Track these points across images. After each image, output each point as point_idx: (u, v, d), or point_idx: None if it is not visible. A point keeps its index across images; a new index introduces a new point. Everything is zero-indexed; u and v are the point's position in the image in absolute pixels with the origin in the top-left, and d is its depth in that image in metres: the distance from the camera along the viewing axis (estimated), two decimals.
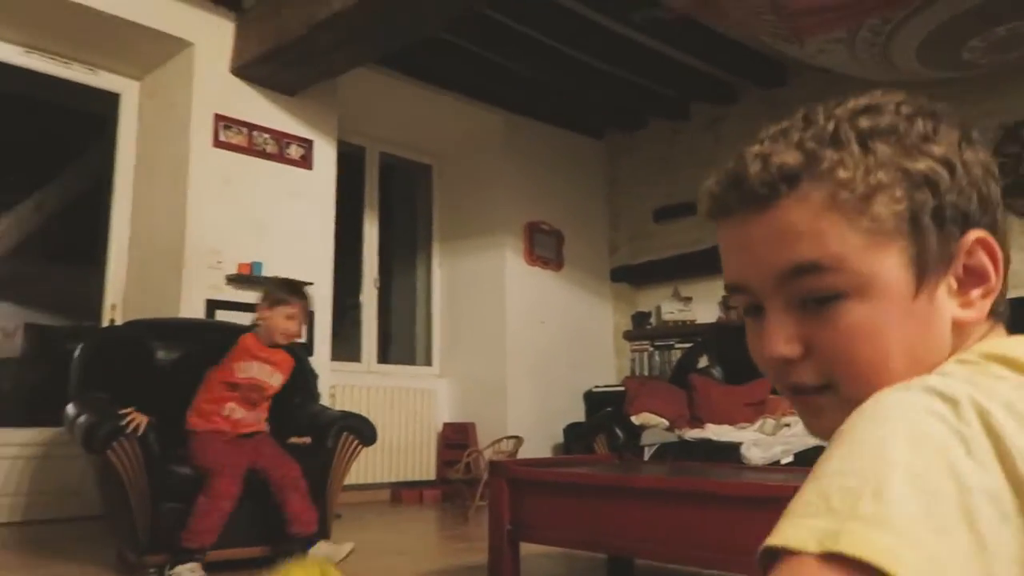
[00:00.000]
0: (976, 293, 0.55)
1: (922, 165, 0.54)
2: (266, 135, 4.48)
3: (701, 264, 5.56)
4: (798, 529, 0.41)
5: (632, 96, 5.59)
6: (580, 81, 5.37)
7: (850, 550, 0.38)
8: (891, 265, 0.53)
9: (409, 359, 5.94)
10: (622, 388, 5.33)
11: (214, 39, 4.35)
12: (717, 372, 3.46)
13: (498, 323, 5.54)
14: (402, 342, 6.02)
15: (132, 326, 3.45)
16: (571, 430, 5.27)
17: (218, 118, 4.31)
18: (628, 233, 6.16)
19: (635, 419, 3.03)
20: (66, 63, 4.45)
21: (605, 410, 3.36)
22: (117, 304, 4.50)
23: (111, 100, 4.67)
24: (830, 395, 0.56)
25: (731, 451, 2.64)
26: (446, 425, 5.60)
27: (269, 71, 4.36)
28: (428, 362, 5.92)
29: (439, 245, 6.10)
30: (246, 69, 4.36)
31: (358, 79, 4.78)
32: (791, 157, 0.56)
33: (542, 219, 5.87)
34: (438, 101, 5.42)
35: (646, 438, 2.87)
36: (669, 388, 3.27)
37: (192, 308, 4.09)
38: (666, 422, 3.02)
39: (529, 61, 5.07)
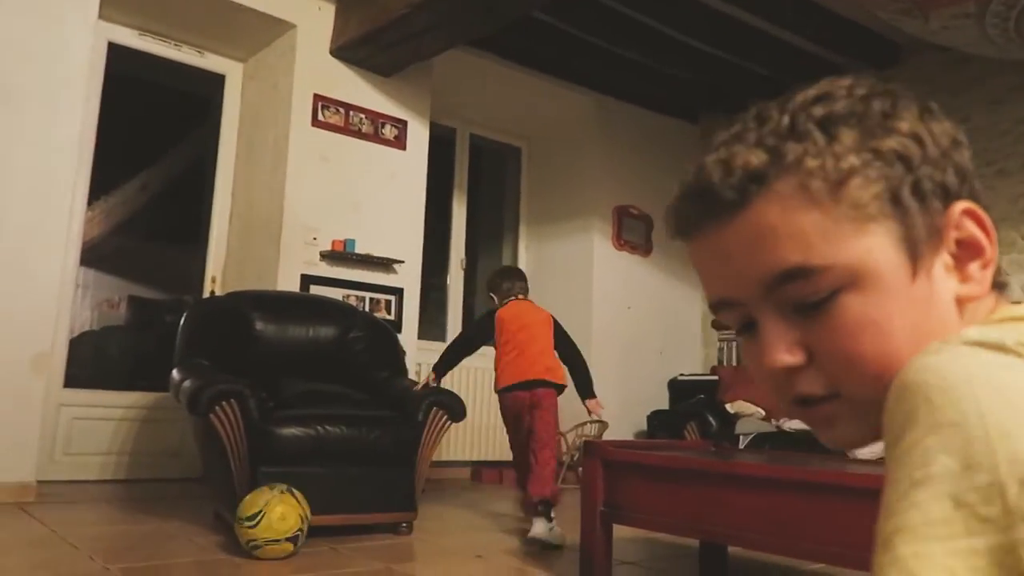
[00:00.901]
0: (974, 266, 0.53)
1: (891, 142, 0.52)
2: (362, 115, 4.56)
3: None
4: (948, 557, 0.37)
5: (730, 77, 5.42)
6: (676, 62, 5.24)
7: None
8: (880, 249, 0.51)
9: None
10: (709, 377, 5.23)
11: (315, 21, 4.44)
12: None
13: (584, 307, 5.49)
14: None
15: (233, 297, 3.57)
16: (655, 417, 5.19)
17: (317, 98, 4.40)
18: None
19: (730, 407, 2.95)
20: (177, 45, 4.62)
21: (698, 397, 3.28)
22: (217, 277, 4.67)
23: (216, 81, 4.83)
24: (840, 403, 0.52)
25: None
26: None
27: (367, 52, 4.42)
28: None
29: (526, 228, 6.09)
30: (345, 50, 4.44)
31: (450, 60, 4.79)
32: (754, 156, 0.53)
33: (631, 203, 5.78)
34: (529, 83, 5.40)
35: (742, 426, 2.78)
36: None
37: (288, 282, 4.20)
38: (762, 412, 2.92)
39: (623, 41, 4.98)
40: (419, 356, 4.88)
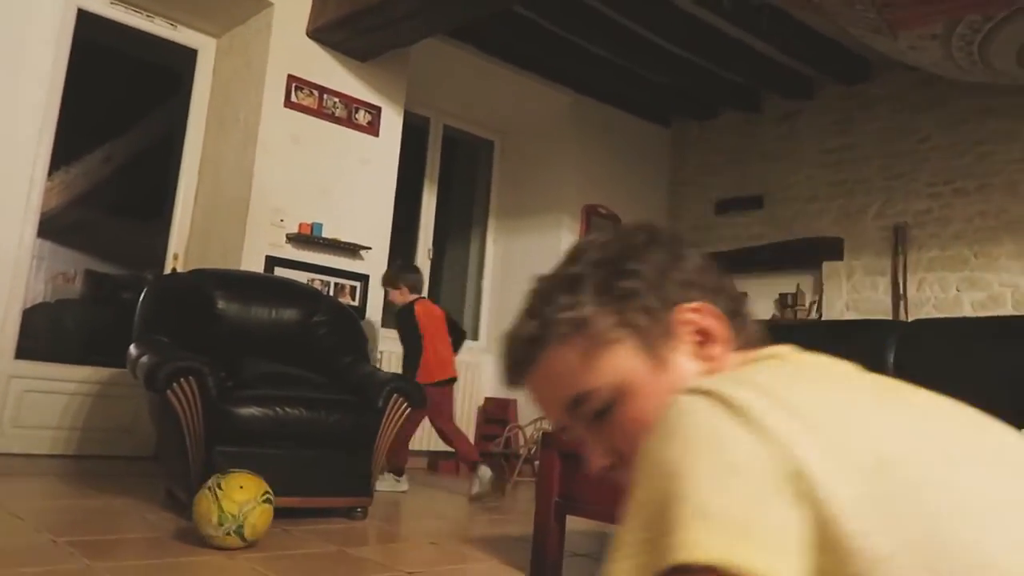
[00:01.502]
0: (716, 349, 0.68)
1: (620, 283, 0.69)
2: (336, 99, 4.53)
3: (761, 260, 5.49)
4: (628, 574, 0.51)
5: (704, 84, 5.50)
6: (651, 65, 5.30)
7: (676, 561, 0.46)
8: (626, 361, 0.67)
9: None
10: None
11: (294, 1, 4.40)
12: None
13: None
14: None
15: (195, 274, 3.53)
16: None
17: (291, 79, 4.36)
18: (688, 224, 6.08)
19: None
20: (149, 17, 4.54)
21: None
22: (180, 254, 4.61)
23: (188, 56, 4.76)
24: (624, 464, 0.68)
25: None
26: (487, 400, 5.62)
27: (344, 35, 4.39)
28: (475, 336, 5.94)
29: (495, 221, 6.10)
30: (321, 32, 4.40)
31: (427, 49, 4.79)
32: (530, 326, 0.72)
33: (600, 203, 5.82)
34: (506, 77, 5.41)
35: None
36: None
37: (253, 263, 4.16)
38: None
39: (601, 41, 5.01)
40: (382, 344, 4.87)
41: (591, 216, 5.75)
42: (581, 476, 2.12)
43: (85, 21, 4.28)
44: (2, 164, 3.49)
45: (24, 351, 4.06)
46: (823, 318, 5.11)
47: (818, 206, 5.32)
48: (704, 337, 0.69)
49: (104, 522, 2.56)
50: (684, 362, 0.68)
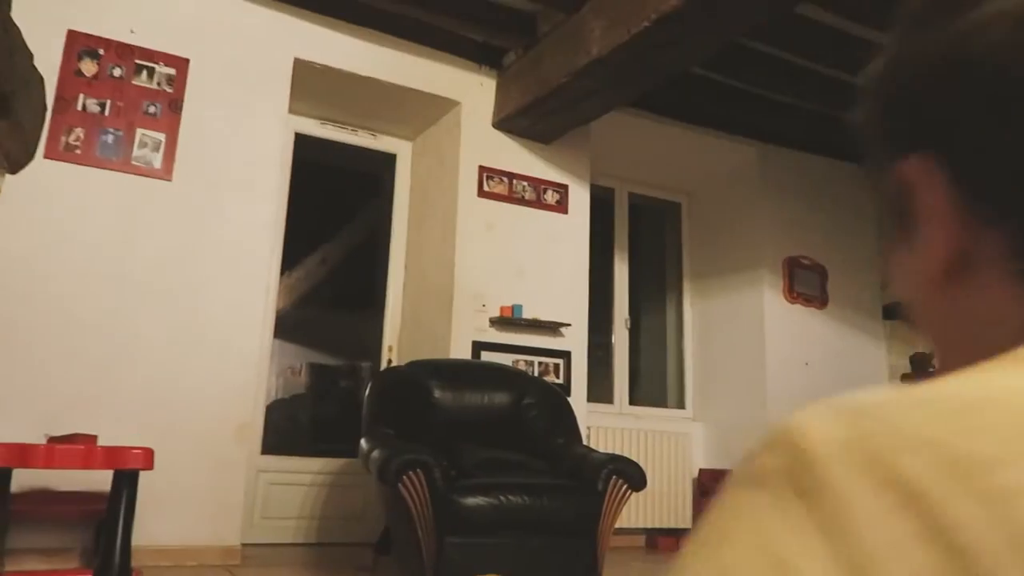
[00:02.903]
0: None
1: None
2: (524, 183, 4.67)
3: None
4: None
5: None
6: (839, 102, 5.00)
7: None
8: None
9: (660, 401, 5.81)
10: None
11: (478, 96, 4.65)
12: None
13: (756, 364, 5.25)
14: (652, 383, 5.92)
15: (412, 366, 3.70)
16: None
17: (482, 169, 4.57)
18: None
19: None
20: (353, 131, 4.98)
21: None
22: (393, 346, 4.88)
23: (388, 160, 5.14)
24: None
25: None
26: (702, 471, 5.37)
27: (528, 122, 4.55)
28: (680, 404, 5.75)
29: (690, 283, 5.95)
30: (506, 122, 4.59)
31: (607, 121, 4.84)
32: None
33: (802, 253, 5.51)
34: (687, 137, 5.34)
35: None
36: None
37: (460, 349, 4.32)
38: None
39: (783, 86, 4.83)
40: (589, 419, 4.83)
41: (794, 269, 5.44)
42: None
43: (300, 142, 4.76)
44: (245, 276, 3.89)
45: (266, 446, 4.44)
46: None
47: None
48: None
49: None
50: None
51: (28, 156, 3.52)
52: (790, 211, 5.53)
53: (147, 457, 2.96)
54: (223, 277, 3.85)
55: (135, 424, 3.50)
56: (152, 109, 3.84)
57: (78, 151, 3.69)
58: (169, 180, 3.84)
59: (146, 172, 3.80)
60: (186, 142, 3.88)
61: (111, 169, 3.74)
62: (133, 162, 3.79)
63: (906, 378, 5.46)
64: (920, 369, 5.36)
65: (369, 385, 3.58)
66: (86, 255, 3.60)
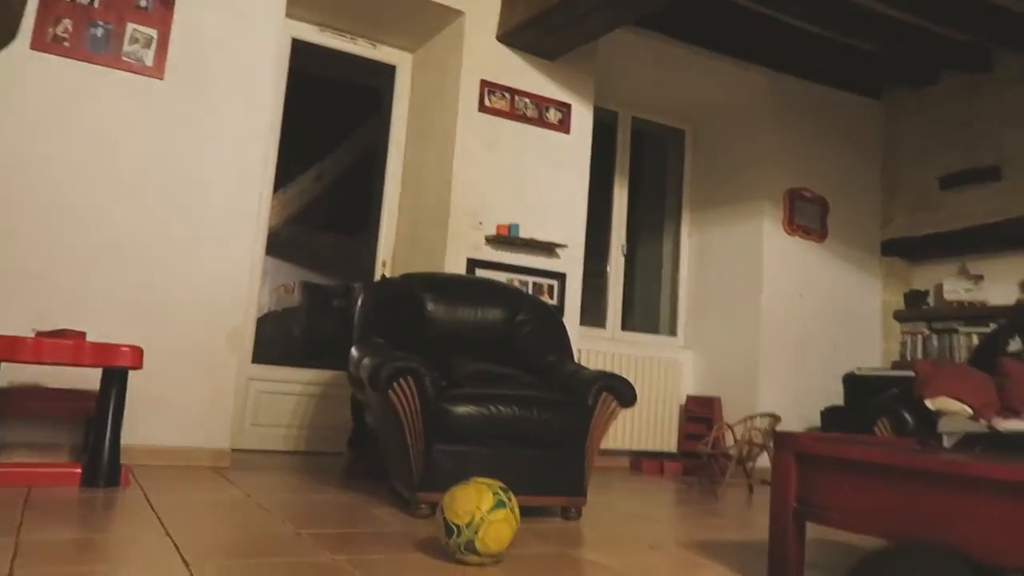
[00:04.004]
0: None
1: None
2: (527, 99, 4.56)
3: (997, 238, 4.88)
4: None
5: (921, 47, 4.96)
6: (857, 32, 4.86)
7: None
8: None
9: (652, 328, 5.82)
10: (891, 373, 4.84)
11: (483, 7, 4.49)
12: None
13: (752, 295, 5.24)
14: (646, 310, 5.92)
15: (406, 278, 3.67)
16: (830, 413, 4.88)
17: (483, 84, 4.45)
18: (907, 202, 5.53)
19: (930, 404, 2.68)
20: (352, 39, 4.82)
21: (891, 391, 3.02)
22: (387, 261, 4.84)
23: (388, 72, 5.00)
24: None
25: None
26: (690, 398, 5.43)
27: (533, 36, 4.41)
28: (672, 332, 5.77)
29: (689, 213, 5.89)
30: (511, 36, 4.45)
31: (614, 41, 4.70)
32: None
33: (804, 186, 5.44)
34: (695, 62, 5.20)
35: (945, 425, 2.52)
36: (971, 373, 2.85)
37: (455, 266, 4.29)
38: (969, 410, 2.64)
39: (798, 12, 4.67)
40: (581, 343, 4.84)
41: (795, 201, 5.38)
42: (821, 481, 1.94)
43: (297, 49, 4.61)
44: (236, 187, 3.82)
45: (257, 356, 4.45)
46: None
47: None
48: None
49: (337, 516, 2.70)
50: None
51: (10, 34, 3.40)
52: (795, 142, 5.44)
53: (136, 355, 2.95)
54: (216, 181, 3.78)
55: (125, 324, 3.48)
56: (143, 3, 3.70)
57: (66, 43, 3.56)
58: (161, 79, 3.72)
59: (137, 69, 3.68)
60: (178, 40, 3.75)
61: (101, 64, 3.62)
62: (123, 58, 3.67)
63: (899, 315, 5.47)
64: (913, 306, 5.37)
65: (362, 295, 3.55)
66: (76, 151, 3.52)
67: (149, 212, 3.63)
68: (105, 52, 3.62)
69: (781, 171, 5.38)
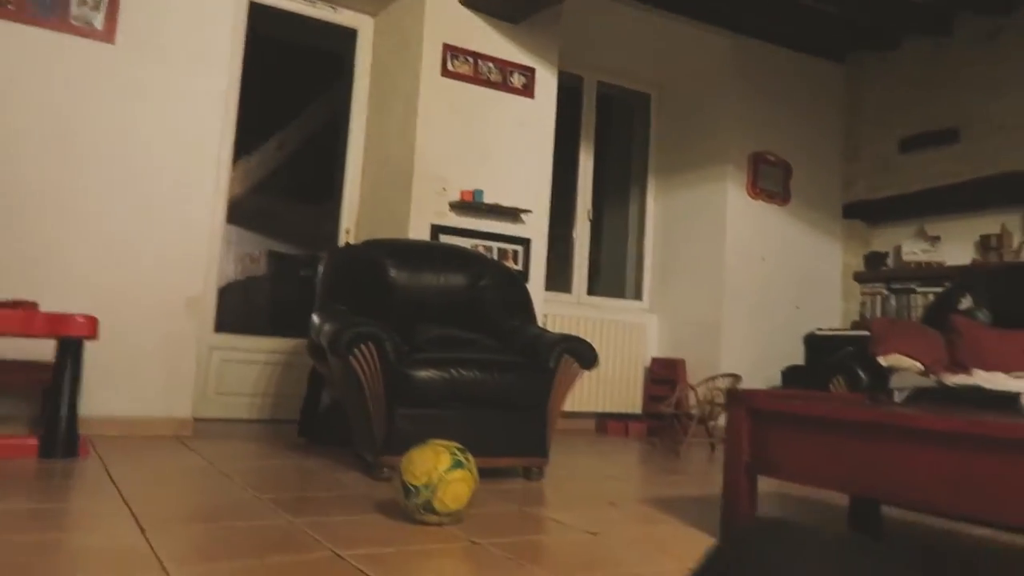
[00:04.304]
0: None
1: None
2: (490, 64, 4.51)
3: (955, 200, 4.97)
4: None
5: (883, 11, 4.98)
6: None
7: None
8: None
9: (618, 293, 5.86)
10: (850, 332, 4.94)
11: None
12: (983, 315, 3.04)
13: (715, 259, 5.29)
14: (611, 275, 5.95)
15: (368, 245, 3.65)
16: (791, 373, 4.97)
17: (446, 48, 4.39)
18: (867, 165, 5.59)
19: (883, 360, 2.75)
20: (312, 2, 4.72)
21: (846, 349, 3.09)
22: (351, 228, 4.80)
23: (349, 37, 4.90)
24: None
25: (1006, 401, 2.31)
26: (654, 360, 5.49)
27: None
28: (638, 296, 5.82)
29: (655, 178, 5.90)
30: None
31: (579, 4, 4.66)
32: None
33: (768, 150, 5.47)
34: (659, 25, 5.17)
35: (896, 381, 2.59)
36: (923, 330, 2.92)
37: (419, 233, 4.26)
38: (920, 366, 2.71)
39: None
40: (546, 308, 4.86)
41: (759, 165, 5.42)
42: (772, 436, 1.98)
43: (255, 12, 4.50)
44: (192, 154, 3.75)
45: (221, 324, 4.41)
46: None
47: None
48: None
49: (299, 481, 2.71)
50: None
51: None
52: (759, 106, 5.46)
53: (91, 325, 2.91)
54: (170, 148, 3.70)
55: (80, 294, 3.42)
56: None
57: (10, 6, 3.44)
58: (112, 43, 3.63)
59: (86, 32, 3.58)
60: (130, 2, 3.65)
61: (48, 28, 3.51)
62: (72, 20, 3.56)
63: (859, 276, 5.56)
64: (873, 268, 5.46)
65: (324, 262, 3.52)
66: (24, 118, 3.42)
67: (102, 180, 3.56)
68: (52, 15, 3.51)
69: (745, 135, 5.41)
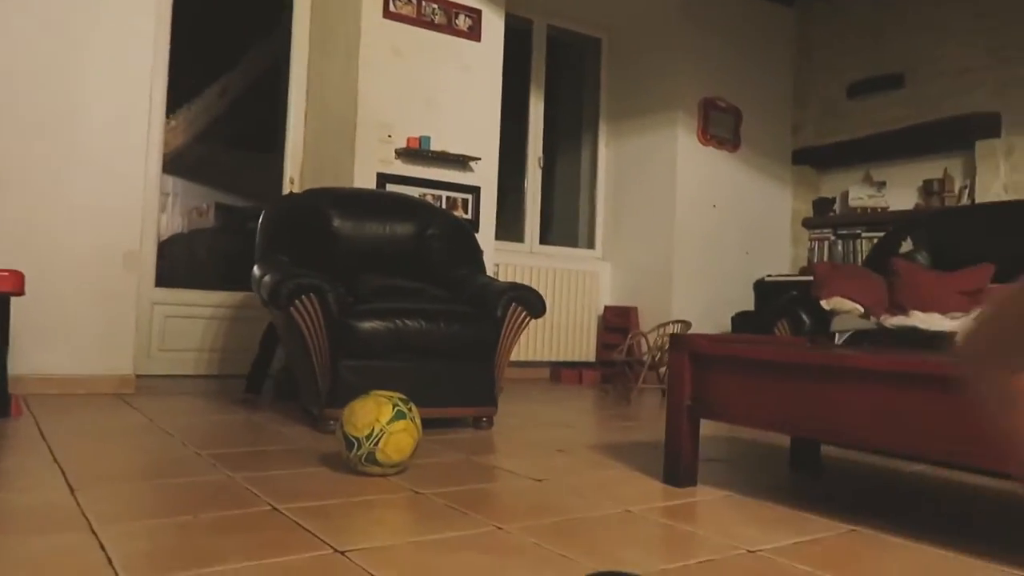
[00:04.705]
0: None
1: None
2: (434, 5, 4.37)
3: (902, 144, 5.01)
4: None
5: None
6: None
7: None
8: None
9: (571, 241, 5.84)
10: (799, 278, 5.01)
11: None
12: (923, 258, 3.09)
13: (666, 206, 5.29)
14: (565, 224, 5.92)
15: (310, 194, 3.54)
16: (740, 318, 5.04)
17: None
18: (816, 111, 5.61)
19: (825, 304, 2.77)
20: None
21: (790, 294, 3.11)
22: (295, 178, 4.67)
23: None
24: None
25: (940, 341, 2.36)
26: (607, 308, 5.52)
27: None
28: (591, 245, 5.81)
29: (606, 124, 5.84)
30: None
31: None
32: None
33: (719, 95, 5.44)
34: None
35: (837, 324, 2.62)
36: (865, 273, 2.95)
37: (364, 182, 4.16)
38: (860, 308, 2.75)
39: None
40: (497, 256, 4.82)
41: (709, 111, 5.39)
42: (714, 380, 1.99)
43: None
44: (121, 102, 3.57)
45: (163, 279, 4.28)
46: (976, 203, 4.63)
47: (971, 79, 4.74)
48: None
49: (243, 437, 2.66)
50: None
51: None
52: (710, 51, 5.40)
53: (16, 280, 2.78)
54: (97, 95, 3.52)
55: (8, 250, 3.27)
56: None
57: None
58: None
59: None
60: None
61: None
62: None
63: (807, 222, 5.62)
64: (820, 213, 5.52)
65: (264, 213, 3.42)
66: None
67: (23, 130, 3.37)
68: None
69: (696, 80, 5.36)
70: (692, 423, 2.07)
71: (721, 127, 5.44)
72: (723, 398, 1.98)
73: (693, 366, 2.06)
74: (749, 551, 1.59)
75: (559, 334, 5.30)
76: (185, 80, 4.43)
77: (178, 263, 4.88)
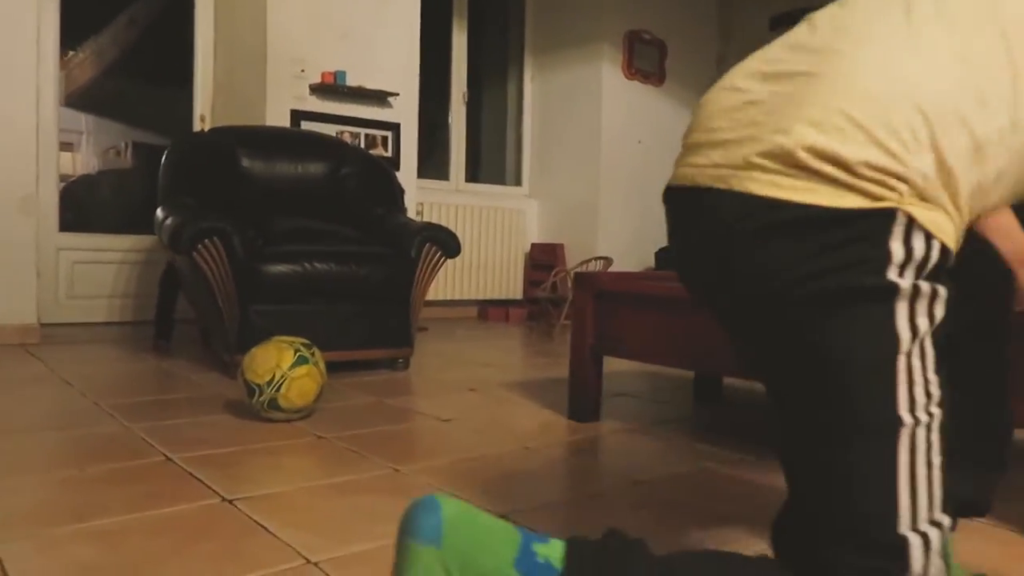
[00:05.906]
0: None
1: None
2: None
3: None
4: None
5: None
6: None
7: None
8: None
9: (498, 179, 5.79)
10: None
11: None
12: None
13: (592, 142, 5.26)
14: (491, 161, 5.86)
15: (216, 133, 3.40)
16: (664, 254, 5.11)
17: None
18: (740, 44, 5.60)
19: None
20: None
21: None
22: (206, 115, 4.48)
23: None
24: None
25: None
26: (534, 246, 5.52)
27: None
28: (518, 182, 5.77)
29: (531, 57, 5.74)
30: None
31: None
32: None
33: (644, 28, 5.38)
34: None
35: None
36: None
37: (277, 119, 4.01)
38: None
39: None
40: (420, 195, 4.75)
41: (634, 44, 5.33)
42: (617, 317, 2.01)
43: None
44: (4, 34, 3.33)
45: (68, 223, 4.09)
46: None
47: None
48: None
49: (149, 385, 2.60)
50: None
51: None
52: None
53: None
54: None
55: None
56: None
57: None
58: None
59: None
60: None
61: None
62: None
63: None
64: None
65: (167, 152, 3.27)
66: None
67: None
68: None
69: (621, 12, 5.28)
70: (595, 360, 2.10)
71: (646, 60, 5.40)
72: (625, 335, 2.00)
73: (597, 304, 2.07)
74: (636, 481, 1.63)
75: (486, 272, 5.29)
76: (89, 8, 4.15)
77: (87, 206, 4.66)
